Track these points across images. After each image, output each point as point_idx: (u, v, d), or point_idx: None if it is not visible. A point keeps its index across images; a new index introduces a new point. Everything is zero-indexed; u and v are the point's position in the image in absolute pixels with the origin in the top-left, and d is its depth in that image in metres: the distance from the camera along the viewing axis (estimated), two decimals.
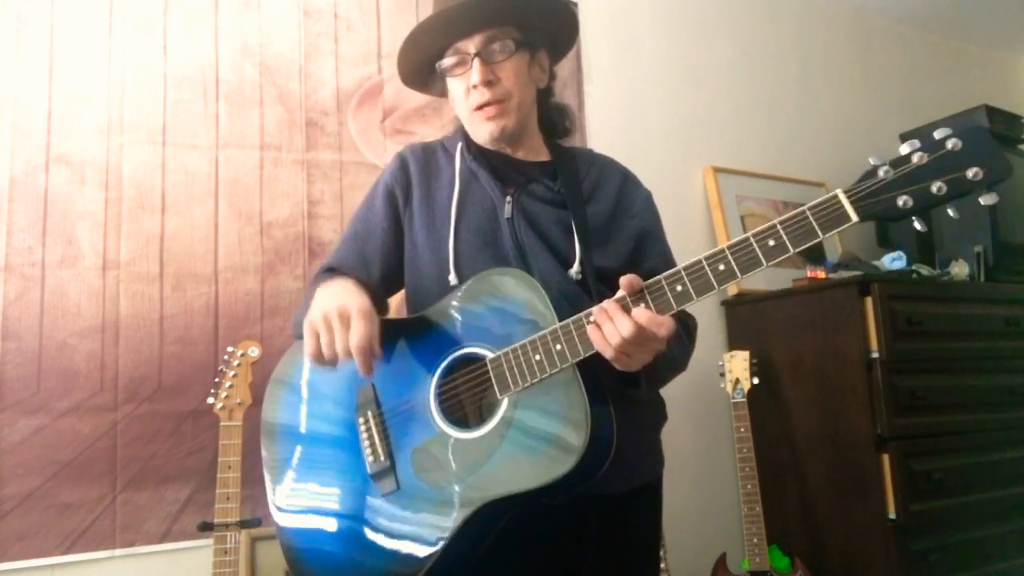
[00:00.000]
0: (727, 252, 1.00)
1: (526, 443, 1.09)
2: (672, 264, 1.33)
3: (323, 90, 2.22)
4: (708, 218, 2.82)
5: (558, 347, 1.07)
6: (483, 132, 1.28)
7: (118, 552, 1.83)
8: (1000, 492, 2.41)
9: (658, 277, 1.04)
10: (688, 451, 2.61)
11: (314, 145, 2.19)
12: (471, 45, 1.24)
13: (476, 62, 1.24)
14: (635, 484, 1.28)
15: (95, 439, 1.84)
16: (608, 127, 2.62)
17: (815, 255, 2.94)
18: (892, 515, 2.20)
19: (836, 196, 0.95)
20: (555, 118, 1.40)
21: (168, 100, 2.03)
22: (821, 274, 2.54)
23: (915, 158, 0.92)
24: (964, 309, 2.47)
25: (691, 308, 1.37)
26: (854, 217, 0.93)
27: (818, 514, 2.42)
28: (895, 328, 2.28)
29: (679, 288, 1.03)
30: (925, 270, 2.61)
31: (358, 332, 1.06)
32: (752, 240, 0.99)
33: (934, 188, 0.91)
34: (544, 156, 1.36)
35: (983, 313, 2.50)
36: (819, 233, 0.95)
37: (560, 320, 1.09)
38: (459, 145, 1.34)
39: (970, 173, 0.90)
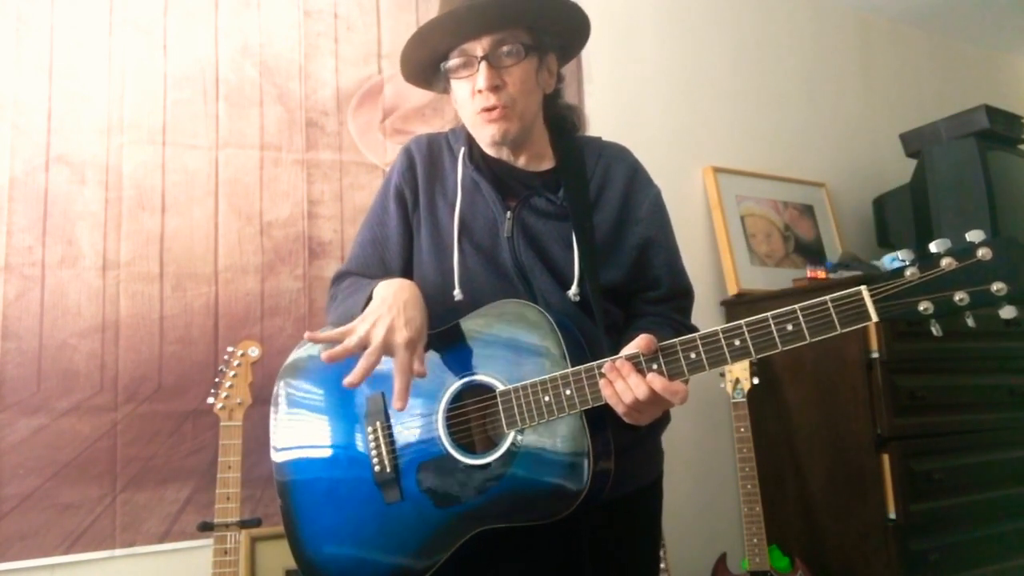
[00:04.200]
0: (744, 329, 1.01)
1: (528, 480, 1.11)
2: (677, 272, 1.34)
3: (323, 90, 2.22)
4: (708, 218, 2.82)
5: (568, 392, 1.09)
6: (485, 135, 1.26)
7: (118, 552, 1.83)
8: (1000, 492, 2.41)
9: (673, 341, 1.06)
10: (688, 451, 2.61)
11: (314, 145, 2.19)
12: (479, 47, 1.21)
13: (483, 66, 1.20)
14: (636, 486, 1.28)
15: (95, 439, 1.84)
16: (608, 127, 2.60)
17: (815, 255, 2.94)
18: (892, 515, 2.20)
19: (860, 292, 0.95)
20: (565, 115, 1.38)
21: (168, 100, 2.03)
22: (821, 274, 2.54)
23: (943, 263, 0.91)
24: None
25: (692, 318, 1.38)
26: (874, 317, 0.94)
27: (818, 514, 2.42)
28: (895, 328, 2.27)
29: (693, 356, 1.05)
30: None
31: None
32: (771, 321, 1.00)
33: (956, 298, 0.91)
34: (548, 163, 1.34)
35: (983, 313, 2.49)
36: (837, 327, 0.96)
37: (573, 363, 1.11)
38: (462, 151, 1.33)
39: (995, 287, 0.89)
